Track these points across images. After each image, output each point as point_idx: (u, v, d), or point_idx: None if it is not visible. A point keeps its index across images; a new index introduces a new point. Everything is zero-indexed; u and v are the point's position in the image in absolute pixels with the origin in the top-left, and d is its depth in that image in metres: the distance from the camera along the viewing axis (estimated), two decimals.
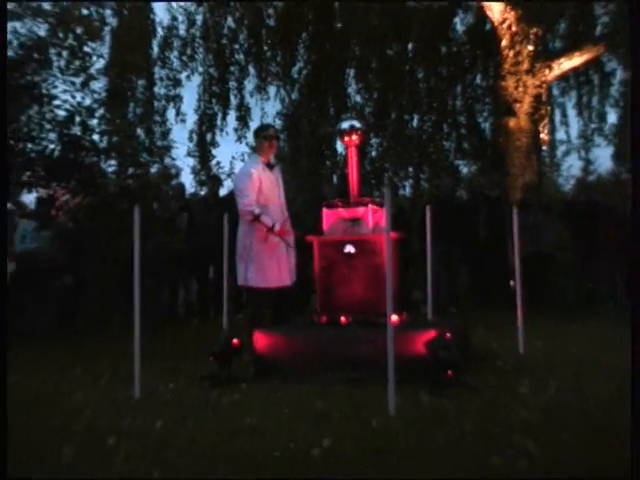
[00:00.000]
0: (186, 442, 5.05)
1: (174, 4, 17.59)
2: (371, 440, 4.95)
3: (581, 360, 7.85)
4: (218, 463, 4.57)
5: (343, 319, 7.52)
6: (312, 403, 6.02)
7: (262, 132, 8.88)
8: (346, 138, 7.92)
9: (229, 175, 17.59)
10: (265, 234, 8.41)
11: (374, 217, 7.65)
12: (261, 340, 7.45)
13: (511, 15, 15.61)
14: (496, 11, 15.83)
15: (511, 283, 9.18)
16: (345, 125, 7.99)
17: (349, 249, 7.54)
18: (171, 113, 17.70)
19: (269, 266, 8.50)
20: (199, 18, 17.80)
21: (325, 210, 7.84)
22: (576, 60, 16.54)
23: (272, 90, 18.03)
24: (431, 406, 5.86)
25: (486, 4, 15.98)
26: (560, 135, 20.53)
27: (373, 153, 17.50)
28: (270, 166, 8.68)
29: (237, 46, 17.94)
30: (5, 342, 4.18)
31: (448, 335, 6.84)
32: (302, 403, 6.06)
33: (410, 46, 18.61)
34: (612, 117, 19.45)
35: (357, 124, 8.02)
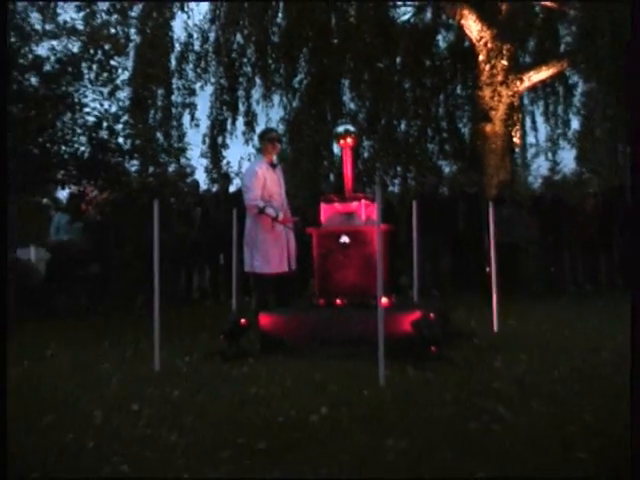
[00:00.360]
0: (200, 409, 5.05)
1: (190, 23, 17.57)
2: (363, 408, 4.95)
3: (549, 337, 7.88)
4: (229, 428, 4.58)
5: (339, 301, 7.53)
6: (311, 375, 6.03)
7: (266, 135, 8.91)
8: (342, 141, 7.93)
9: (237, 174, 17.58)
10: (268, 225, 8.41)
11: (366, 211, 7.64)
12: (265, 320, 7.46)
13: (487, 34, 15.57)
14: (474, 30, 15.80)
15: (487, 269, 9.17)
16: (341, 129, 8.00)
17: (344, 239, 7.54)
18: (186, 119, 17.62)
19: (272, 254, 8.50)
20: (212, 35, 17.78)
21: (323, 205, 7.84)
22: (543, 73, 16.51)
23: (276, 98, 17.99)
24: (416, 378, 5.87)
25: (465, 24, 15.95)
26: (530, 139, 20.47)
27: (365, 154, 17.45)
28: (273, 166, 8.69)
29: (245, 60, 17.89)
30: (5, 342, 4.17)
31: (431, 316, 6.84)
32: (302, 375, 6.07)
33: (398, 60, 18.54)
34: (575, 124, 19.43)
35: (351, 128, 8.03)
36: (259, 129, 17.84)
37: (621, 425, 4.27)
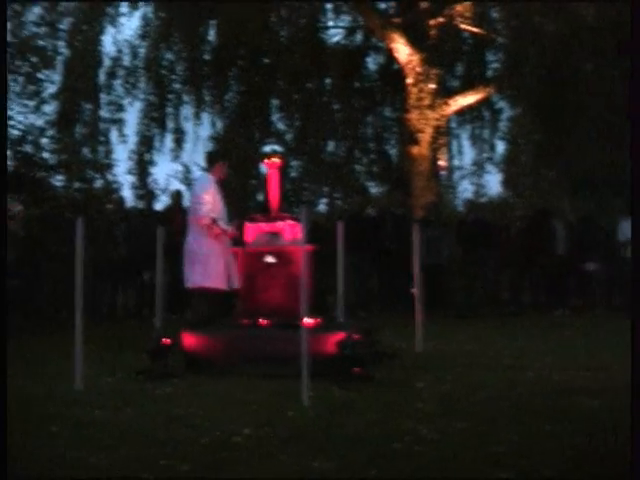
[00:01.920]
0: (123, 429, 4.96)
1: (120, 38, 17.44)
2: (287, 428, 4.93)
3: (473, 357, 7.96)
4: (152, 449, 4.51)
5: (263, 321, 7.50)
6: (235, 395, 5.99)
7: (219, 154, 9.05)
8: (268, 161, 7.93)
9: (164, 191, 17.47)
10: (214, 240, 8.40)
11: (292, 231, 7.65)
12: (189, 340, 7.39)
13: (415, 58, 15.79)
14: (403, 53, 16.00)
15: (412, 290, 9.24)
16: (267, 149, 8.02)
17: (269, 259, 7.53)
18: (114, 134, 17.47)
19: (217, 270, 8.48)
20: (142, 50, 17.66)
21: (248, 224, 7.83)
22: (470, 98, 16.81)
23: (205, 116, 17.96)
24: (341, 398, 5.87)
25: (394, 47, 16.14)
26: (456, 162, 20.73)
27: (293, 174, 17.53)
28: (218, 185, 8.74)
29: (175, 76, 17.84)
30: (5, 342, 4.05)
31: (356, 336, 6.86)
32: (226, 395, 6.03)
33: (328, 81, 18.71)
34: (500, 148, 19.77)
35: (278, 149, 8.05)
36: (188, 147, 17.80)
37: (548, 445, 4.34)
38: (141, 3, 17.39)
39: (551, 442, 4.41)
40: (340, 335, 6.91)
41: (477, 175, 20.72)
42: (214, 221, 8.32)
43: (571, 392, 5.76)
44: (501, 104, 18.98)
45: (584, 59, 14.41)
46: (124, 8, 17.40)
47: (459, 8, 15.14)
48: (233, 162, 16.46)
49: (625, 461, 3.93)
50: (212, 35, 17.85)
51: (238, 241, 8.42)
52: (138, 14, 17.66)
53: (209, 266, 8.39)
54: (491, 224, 14.89)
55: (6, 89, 9.12)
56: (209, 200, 8.39)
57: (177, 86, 17.90)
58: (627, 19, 14.20)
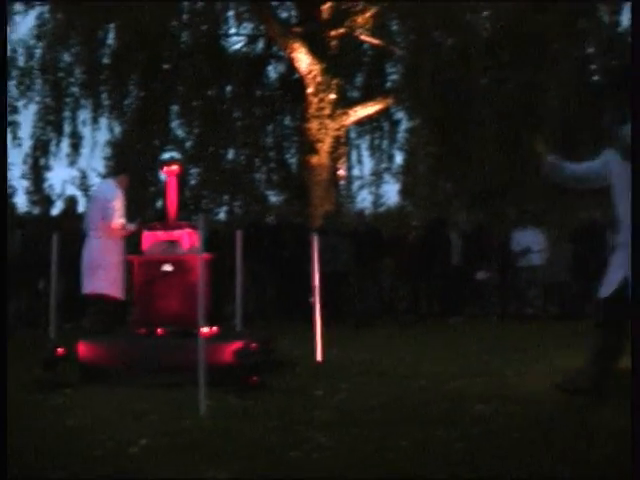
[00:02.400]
0: (13, 443, 4.82)
1: (15, 37, 16.99)
2: (184, 438, 4.89)
3: (369, 365, 8.04)
4: (43, 462, 4.40)
5: (160, 330, 7.43)
6: (131, 405, 5.90)
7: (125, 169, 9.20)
8: (166, 168, 7.87)
9: (60, 196, 17.10)
10: (118, 249, 8.42)
11: (190, 239, 7.60)
12: (84, 349, 7.26)
13: (316, 67, 15.92)
14: (304, 63, 16.10)
15: (310, 299, 9.30)
16: (166, 156, 7.94)
17: (166, 267, 7.47)
18: (8, 137, 17.03)
19: (119, 279, 8.48)
20: (38, 52, 17.27)
21: (145, 232, 7.75)
22: (370, 109, 17.04)
23: (103, 121, 17.68)
24: (238, 407, 5.85)
25: (295, 56, 16.23)
26: (356, 172, 20.95)
27: (192, 182, 17.42)
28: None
29: (73, 80, 17.50)
30: (5, 342, 3.90)
31: (254, 345, 6.86)
32: (122, 405, 5.93)
33: (228, 89, 18.68)
34: (399, 159, 20.08)
35: (177, 156, 7.99)
36: (85, 152, 17.49)
37: (438, 450, 4.43)
38: (37, 2, 17.00)
39: (441, 447, 4.50)
40: (237, 344, 6.90)
41: (376, 185, 21.03)
42: (124, 227, 8.38)
43: (464, 399, 5.89)
44: (400, 115, 19.32)
45: (480, 72, 14.81)
46: (19, 7, 16.98)
47: (359, 20, 15.34)
48: (131, 168, 16.36)
49: (514, 463, 4.07)
50: (111, 38, 17.61)
51: (136, 249, 8.35)
52: (34, 13, 17.29)
53: (111, 274, 8.33)
54: (390, 233, 15.15)
55: (6, 89, 8.85)
56: (120, 207, 8.43)
57: (75, 89, 17.55)
58: (523, 32, 14.81)
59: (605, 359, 5.53)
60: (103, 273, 8.42)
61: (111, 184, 8.92)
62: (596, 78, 17.37)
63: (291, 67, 18.00)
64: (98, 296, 8.51)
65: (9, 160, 16.14)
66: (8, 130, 16.90)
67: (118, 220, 8.44)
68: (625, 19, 17.16)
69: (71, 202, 13.50)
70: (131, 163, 16.42)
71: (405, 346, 9.73)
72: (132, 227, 8.76)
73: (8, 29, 16.79)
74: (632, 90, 5.04)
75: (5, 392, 3.87)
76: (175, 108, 18.10)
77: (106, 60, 17.57)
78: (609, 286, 5.48)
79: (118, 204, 8.53)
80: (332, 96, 15.87)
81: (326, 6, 15.65)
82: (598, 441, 4.45)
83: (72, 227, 10.18)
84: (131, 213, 9.61)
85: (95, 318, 8.58)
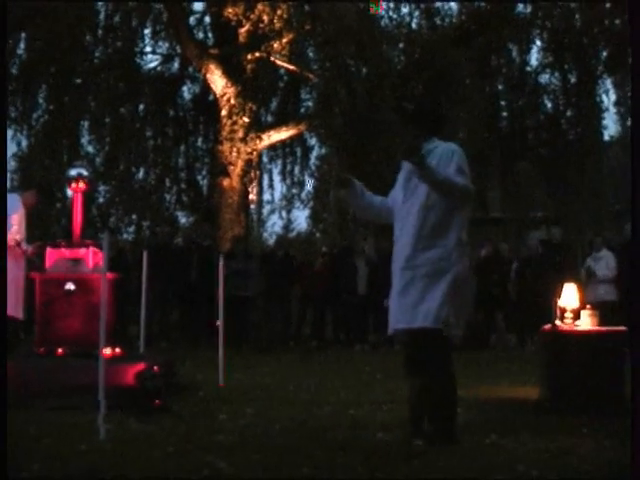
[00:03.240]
0: None
1: None
2: (80, 463, 4.76)
3: (273, 391, 8.02)
4: None
5: (60, 350, 7.25)
6: (25, 429, 5.72)
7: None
8: (73, 184, 7.72)
9: None
10: (14, 265, 8.20)
11: (94, 258, 7.47)
12: None
13: (231, 90, 15.93)
14: (219, 85, 16.10)
15: (217, 323, 9.24)
16: (73, 172, 7.79)
17: (69, 286, 7.31)
18: None
19: (18, 297, 8.29)
20: None
21: (49, 249, 7.58)
22: (283, 134, 17.12)
23: (10, 133, 17.30)
24: (138, 431, 5.74)
25: (210, 78, 16.21)
26: (267, 196, 20.98)
27: (101, 199, 17.17)
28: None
29: None
30: (5, 343, 3.71)
31: (156, 368, 6.77)
32: (15, 429, 5.73)
33: (141, 106, 18.52)
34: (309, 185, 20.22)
35: (84, 172, 7.83)
36: None
37: (337, 475, 4.43)
38: None
39: (343, 473, 4.51)
40: (140, 366, 6.80)
41: (286, 210, 21.09)
42: (18, 243, 8.15)
43: (365, 426, 5.91)
44: (312, 142, 19.46)
45: (392, 103, 15.04)
46: None
47: (276, 45, 15.42)
48: (36, 183, 16.02)
49: None
50: (22, 48, 17.27)
51: (38, 266, 8.16)
52: None
53: (7, 293, 8.12)
54: (298, 258, 15.21)
55: (6, 89, 8.51)
56: (17, 221, 8.22)
57: None
58: (436, 65, 15.17)
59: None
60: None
61: (13, 198, 8.70)
62: (504, 114, 17.86)
63: (206, 88, 17.98)
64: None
65: None
66: None
67: (12, 236, 8.21)
68: (533, 58, 17.78)
69: None
70: (37, 177, 16.09)
71: (309, 372, 9.74)
72: (30, 248, 8.52)
73: None
74: (632, 89, 5.16)
75: (5, 391, 3.71)
76: (86, 124, 17.81)
77: (15, 70, 17.20)
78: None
79: (15, 219, 8.31)
80: (246, 119, 15.88)
81: (243, 29, 15.67)
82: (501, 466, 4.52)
83: None
84: (35, 229, 9.44)
85: None
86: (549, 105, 17.66)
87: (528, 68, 17.52)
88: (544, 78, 17.67)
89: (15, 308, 8.25)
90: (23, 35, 16.89)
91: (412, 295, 5.13)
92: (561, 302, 6.86)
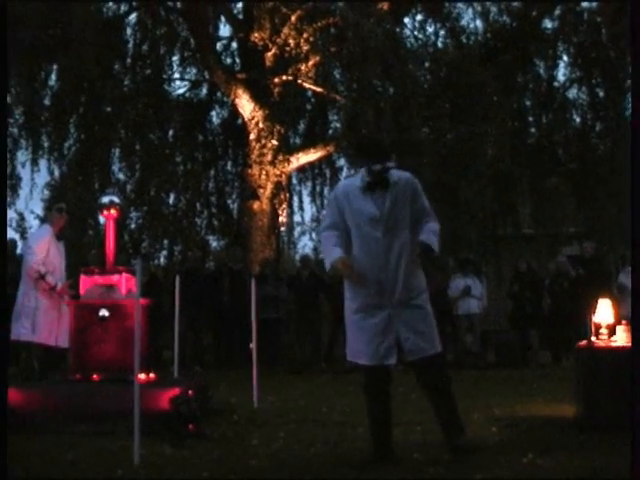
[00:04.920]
0: None
1: None
2: None
3: (305, 412, 8.01)
4: None
5: (95, 376, 7.28)
6: (62, 455, 5.76)
7: (55, 205, 8.98)
8: (105, 212, 7.79)
9: None
10: (46, 293, 8.28)
11: (127, 284, 7.52)
12: (15, 395, 7.07)
13: (259, 114, 16.00)
14: (247, 109, 16.19)
15: (250, 345, 9.25)
16: (105, 200, 7.86)
17: (103, 312, 7.35)
18: None
19: (43, 323, 8.35)
20: None
21: (82, 276, 7.63)
22: (312, 156, 17.13)
23: (43, 163, 17.49)
24: (173, 456, 5.76)
25: (239, 102, 16.31)
26: (297, 218, 21.01)
27: (132, 225, 17.27)
28: (59, 238, 8.61)
29: (12, 120, 17.30)
30: (6, 345, 3.76)
31: (190, 392, 6.78)
32: (52, 455, 5.78)
33: (170, 132, 18.64)
34: None
35: (116, 199, 7.90)
36: (23, 193, 17.25)
37: None
38: None
39: None
40: (174, 391, 6.82)
41: (316, 231, 21.09)
42: (42, 275, 8.19)
43: (400, 447, 5.86)
44: (341, 162, 19.47)
45: (420, 122, 15.03)
46: None
47: (303, 68, 15.49)
48: (70, 211, 16.16)
49: None
50: (53, 80, 17.50)
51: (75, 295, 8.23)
52: None
53: (37, 320, 8.19)
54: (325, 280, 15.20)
55: (6, 90, 8.65)
56: (41, 251, 8.26)
57: (14, 130, 17.34)
58: (463, 84, 15.15)
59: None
60: (29, 320, 8.28)
61: (42, 228, 8.81)
62: (532, 130, 17.78)
63: (234, 113, 18.09)
64: (25, 343, 8.37)
65: None
66: None
67: (36, 267, 8.27)
68: (560, 74, 17.69)
69: (9, 245, 13.26)
70: (70, 206, 16.25)
71: (342, 393, 9.69)
72: (59, 286, 8.54)
73: None
74: (632, 90, 5.14)
75: (6, 392, 3.73)
76: (116, 151, 17.96)
77: (47, 101, 17.42)
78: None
79: (38, 249, 8.37)
80: (274, 142, 15.95)
81: (270, 53, 15.77)
82: None
83: (9, 271, 9.99)
84: (68, 257, 9.49)
85: (26, 366, 8.41)
86: (577, 120, 17.54)
87: (555, 83, 17.44)
88: (572, 93, 17.56)
89: (45, 336, 8.32)
90: (55, 67, 17.10)
91: (423, 324, 5.33)
92: (596, 318, 6.79)
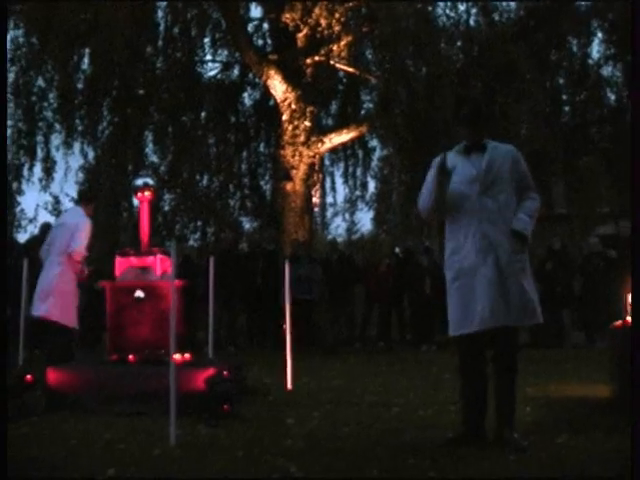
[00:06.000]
0: None
1: None
2: (152, 467, 4.83)
3: (339, 392, 8.02)
4: None
5: (131, 357, 7.34)
6: (99, 434, 5.82)
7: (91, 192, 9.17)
8: (139, 194, 7.82)
9: (31, 221, 17.06)
10: (75, 278, 8.40)
11: (162, 265, 7.55)
12: (53, 376, 7.16)
13: (291, 95, 15.96)
14: (279, 90, 16.15)
15: (283, 326, 9.27)
16: (139, 182, 7.88)
17: (138, 294, 7.40)
18: None
19: (74, 307, 8.46)
20: (11, 76, 17.18)
21: (118, 258, 7.68)
22: (344, 136, 17.07)
23: (77, 146, 17.60)
24: (208, 436, 5.80)
25: (271, 83, 16.28)
26: (329, 199, 20.99)
27: (166, 207, 17.34)
28: None
29: (46, 104, 17.41)
30: (5, 343, 3.83)
31: (225, 373, 6.81)
32: (90, 435, 5.85)
33: (203, 114, 18.67)
34: (372, 187, 20.18)
35: (150, 182, 7.93)
36: (57, 176, 17.40)
37: (408, 478, 4.40)
38: (11, 26, 16.94)
39: (413, 476, 4.47)
40: (209, 371, 6.86)
41: (349, 212, 21.08)
42: (84, 259, 8.33)
43: (435, 427, 5.87)
44: (374, 143, 19.40)
45: (452, 102, 14.92)
46: None
47: (335, 48, 15.41)
48: (104, 194, 16.28)
49: None
50: (86, 63, 17.57)
51: (107, 275, 8.29)
52: (8, 37, 17.22)
53: (65, 302, 8.28)
54: (362, 260, 15.19)
55: (6, 90, 8.73)
56: (86, 237, 8.36)
57: (48, 114, 17.46)
58: (495, 62, 15.00)
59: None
60: (56, 300, 8.35)
61: (79, 212, 8.83)
62: (566, 109, 17.57)
63: (266, 94, 18.07)
64: (50, 322, 8.44)
65: None
66: None
67: (82, 251, 8.36)
68: (594, 51, 17.45)
69: (46, 228, 13.36)
70: (105, 189, 16.36)
71: (376, 374, 9.71)
72: (85, 271, 8.71)
73: None
74: (632, 89, 5.09)
75: (6, 392, 3.77)
76: (149, 134, 18.03)
77: (80, 85, 17.50)
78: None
79: (85, 235, 8.45)
80: (307, 123, 15.91)
81: (302, 34, 15.71)
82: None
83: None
84: (103, 239, 9.55)
85: (52, 347, 8.48)
86: (612, 98, 17.32)
87: (589, 61, 17.20)
88: (606, 70, 17.32)
89: (70, 319, 8.44)
90: (87, 51, 17.16)
91: (522, 291, 5.16)
92: (630, 297, 6.72)
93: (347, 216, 22.00)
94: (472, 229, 5.25)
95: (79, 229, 8.44)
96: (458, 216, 5.36)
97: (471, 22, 16.82)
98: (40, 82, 17.33)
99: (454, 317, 5.34)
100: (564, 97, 17.56)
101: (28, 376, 6.97)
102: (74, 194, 17.11)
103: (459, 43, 16.28)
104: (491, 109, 13.71)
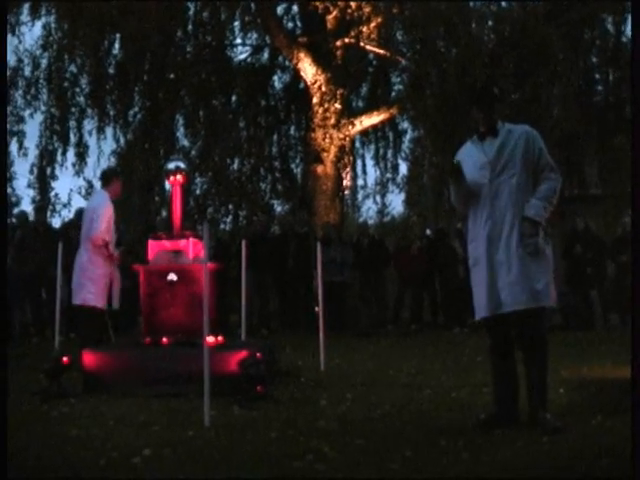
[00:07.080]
0: (16, 453, 4.81)
1: (21, 48, 17.04)
2: (187, 448, 4.89)
3: (373, 375, 8.04)
4: (46, 472, 4.39)
5: (165, 340, 7.42)
6: (135, 416, 5.90)
7: (116, 173, 9.12)
8: (172, 177, 7.86)
9: (65, 205, 17.21)
10: (105, 260, 8.44)
11: (194, 249, 7.60)
12: (89, 358, 7.25)
13: (321, 77, 15.95)
14: (309, 73, 16.14)
15: (316, 309, 9.31)
16: (171, 166, 7.92)
17: (172, 277, 7.46)
18: (14, 147, 17.04)
19: (105, 290, 8.52)
20: (44, 62, 17.31)
21: (151, 242, 7.73)
22: (375, 119, 17.04)
23: (109, 131, 17.73)
24: (242, 418, 5.85)
25: (301, 66, 16.27)
26: (360, 182, 20.96)
27: (197, 191, 17.42)
28: (113, 202, 8.76)
29: (78, 89, 17.53)
30: (5, 343, 3.91)
31: (258, 355, 6.86)
32: (126, 416, 5.92)
33: (233, 98, 18.71)
34: (403, 169, 20.14)
35: (182, 165, 7.97)
36: (90, 161, 17.54)
37: (441, 459, 4.42)
38: (42, 12, 17.06)
39: (446, 457, 4.49)
40: (242, 354, 6.91)
41: (380, 195, 21.03)
42: (106, 244, 8.35)
43: (468, 409, 5.88)
44: (404, 125, 19.32)
45: (484, 83, 14.79)
46: (25, 17, 17.08)
47: (365, 30, 15.36)
48: (136, 178, 16.39)
49: (519, 473, 4.06)
50: (117, 49, 17.67)
51: (141, 259, 8.36)
52: (40, 24, 17.37)
53: (98, 286, 8.38)
54: (393, 243, 15.16)
55: (6, 90, 8.82)
56: (105, 220, 8.38)
57: (80, 99, 17.59)
58: (527, 42, 14.84)
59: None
60: (91, 285, 8.45)
61: (102, 195, 8.86)
62: (599, 88, 17.37)
63: (296, 77, 18.07)
64: (88, 308, 8.53)
65: (15, 170, 16.29)
66: (14, 140, 16.96)
67: (101, 235, 8.39)
68: (628, 29, 17.20)
69: (80, 213, 13.46)
70: (137, 173, 16.46)
71: (408, 356, 9.71)
72: (116, 254, 8.74)
73: (15, 40, 16.92)
74: (632, 88, 5.03)
75: (5, 391, 3.84)
76: (180, 118, 18.11)
77: (111, 70, 17.60)
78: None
79: (104, 218, 8.46)
80: (337, 106, 15.89)
81: (331, 16, 15.66)
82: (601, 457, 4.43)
83: (78, 238, 10.19)
84: (136, 223, 9.60)
85: (89, 330, 8.58)
86: None
87: (624, 39, 16.97)
88: None
89: (104, 299, 8.55)
90: (118, 36, 17.23)
91: (527, 274, 5.17)
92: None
93: (378, 198, 21.99)
94: (485, 216, 5.29)
95: (97, 213, 8.49)
96: (475, 203, 5.37)
97: (503, 2, 16.70)
98: (72, 68, 17.45)
99: (475, 302, 5.41)
100: (597, 76, 17.36)
101: (65, 358, 7.07)
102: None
103: (490, 23, 16.13)
104: (504, 94, 13.61)
